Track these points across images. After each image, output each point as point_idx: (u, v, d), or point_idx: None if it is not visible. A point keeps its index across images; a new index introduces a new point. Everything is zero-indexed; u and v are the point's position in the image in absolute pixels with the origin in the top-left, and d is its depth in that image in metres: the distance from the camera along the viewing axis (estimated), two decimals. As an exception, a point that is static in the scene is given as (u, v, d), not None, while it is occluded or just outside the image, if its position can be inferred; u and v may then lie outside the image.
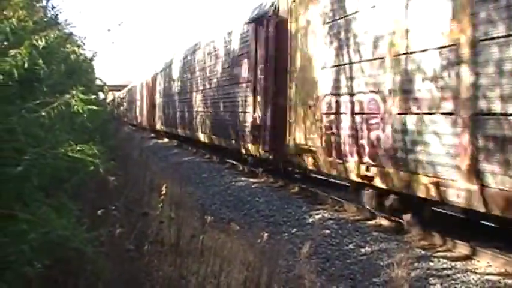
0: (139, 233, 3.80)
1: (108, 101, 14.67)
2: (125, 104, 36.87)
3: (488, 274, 6.11)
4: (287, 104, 11.57)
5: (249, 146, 13.99)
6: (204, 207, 9.58)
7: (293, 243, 7.42)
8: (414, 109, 6.98)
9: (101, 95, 9.18)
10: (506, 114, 5.47)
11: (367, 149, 8.17)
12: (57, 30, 3.78)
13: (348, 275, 6.38)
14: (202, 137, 19.41)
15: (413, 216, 7.72)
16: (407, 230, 7.90)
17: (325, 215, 9.29)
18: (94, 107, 2.82)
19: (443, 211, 8.31)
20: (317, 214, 9.38)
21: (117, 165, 5.43)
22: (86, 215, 3.07)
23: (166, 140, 30.04)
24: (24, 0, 3.69)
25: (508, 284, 5.79)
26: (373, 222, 8.68)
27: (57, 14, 5.64)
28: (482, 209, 5.84)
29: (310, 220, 9.07)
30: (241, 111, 14.82)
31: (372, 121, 8.04)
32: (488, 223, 7.38)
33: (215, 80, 18.17)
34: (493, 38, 5.62)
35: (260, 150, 13.09)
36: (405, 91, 7.19)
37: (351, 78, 8.69)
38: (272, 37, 12.76)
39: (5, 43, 2.85)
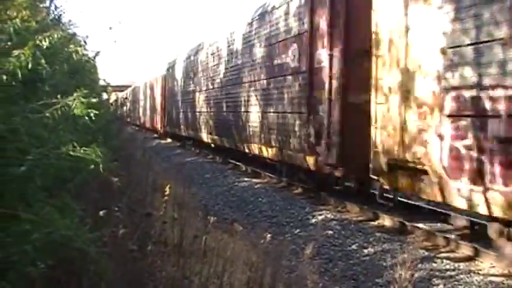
0: (142, 234, 3.80)
1: (111, 101, 14.69)
2: (128, 104, 36.88)
3: (491, 275, 6.10)
4: (367, 100, 8.38)
5: (301, 157, 10.72)
6: (207, 207, 9.59)
7: (296, 243, 7.41)
8: None
9: (104, 96, 9.19)
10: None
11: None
12: (61, 31, 3.79)
13: (351, 276, 6.37)
14: (254, 148, 14.03)
15: None
16: (410, 231, 7.88)
17: (328, 215, 9.28)
18: (95, 111, 2.81)
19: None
20: (320, 215, 9.37)
21: (120, 165, 5.44)
22: (89, 215, 3.07)
23: (169, 140, 30.05)
24: (28, 0, 3.70)
25: (511, 285, 5.78)
26: (376, 223, 8.67)
27: (60, 15, 5.64)
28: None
29: (313, 221, 9.06)
30: (283, 112, 11.79)
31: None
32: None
33: (246, 74, 14.80)
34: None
35: (319, 163, 9.97)
36: None
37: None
38: (341, 9, 9.47)
39: (9, 43, 2.85)
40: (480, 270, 6.27)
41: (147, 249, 3.61)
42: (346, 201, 9.85)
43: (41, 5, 5.20)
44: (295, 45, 11.21)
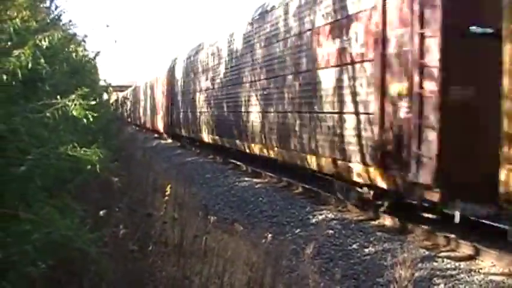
0: (142, 234, 3.80)
1: (111, 101, 14.68)
2: (128, 104, 36.85)
3: (492, 274, 6.09)
4: (476, 96, 6.53)
5: (363, 171, 8.41)
6: (208, 207, 9.59)
7: (297, 243, 7.41)
8: None
9: (105, 96, 9.20)
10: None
11: None
12: (61, 31, 3.79)
13: (352, 275, 6.37)
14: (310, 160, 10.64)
15: None
16: (410, 230, 7.88)
17: (329, 215, 9.28)
18: (93, 113, 2.80)
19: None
20: (321, 214, 9.37)
21: (121, 165, 5.44)
22: (89, 216, 3.07)
23: (169, 140, 30.04)
24: (28, 0, 3.70)
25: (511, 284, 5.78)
26: (376, 222, 8.66)
27: (60, 15, 5.65)
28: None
29: (314, 220, 9.05)
30: (338, 112, 9.29)
31: None
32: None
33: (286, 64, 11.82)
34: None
35: (399, 180, 7.51)
36: None
37: None
38: None
39: (9, 43, 2.85)
40: (481, 269, 6.27)
41: (148, 250, 3.61)
42: (347, 201, 9.85)
43: (41, 5, 5.21)
44: (359, 27, 8.56)
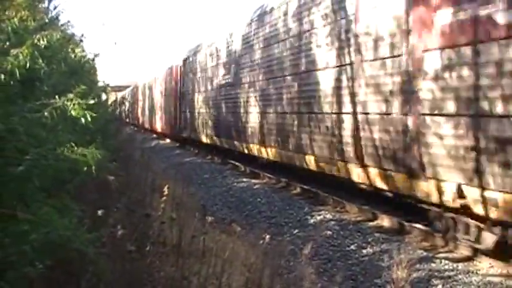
0: (141, 234, 3.80)
1: (110, 102, 14.67)
2: (127, 104, 36.78)
3: (490, 275, 6.10)
4: None
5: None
6: (206, 208, 9.58)
7: (295, 244, 7.41)
8: None
9: (103, 96, 9.20)
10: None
11: None
12: (60, 31, 3.79)
13: (350, 276, 6.37)
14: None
15: None
16: (408, 231, 7.89)
17: (327, 215, 9.28)
18: (92, 113, 2.80)
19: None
20: (319, 215, 9.36)
21: (119, 166, 5.44)
22: (87, 216, 3.07)
23: (168, 140, 30.01)
24: (27, 0, 3.70)
25: (510, 285, 5.78)
26: (374, 223, 8.67)
27: (59, 15, 5.65)
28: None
29: (312, 221, 9.05)
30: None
31: None
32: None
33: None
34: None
35: None
36: None
37: None
38: None
39: (7, 43, 2.85)
40: (479, 270, 6.28)
41: (146, 250, 3.61)
42: (345, 202, 9.86)
43: (40, 5, 5.21)
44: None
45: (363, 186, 9.02)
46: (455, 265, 6.44)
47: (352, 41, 8.78)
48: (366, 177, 8.62)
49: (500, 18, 5.57)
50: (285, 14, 12.08)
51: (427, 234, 7.55)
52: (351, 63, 8.82)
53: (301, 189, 11.69)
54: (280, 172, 13.45)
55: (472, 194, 6.09)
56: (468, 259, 6.64)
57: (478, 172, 5.92)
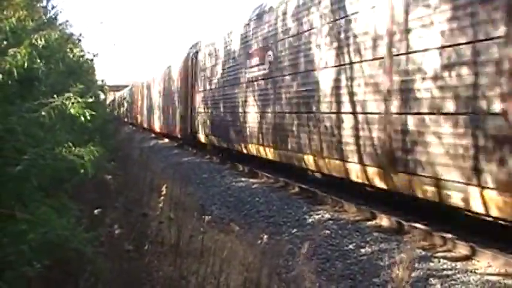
0: (139, 234, 3.80)
1: (108, 101, 14.67)
2: (125, 104, 36.76)
3: (488, 274, 6.10)
4: None
5: None
6: (204, 207, 9.58)
7: (293, 243, 7.41)
8: None
9: (102, 96, 9.20)
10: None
11: None
12: (58, 31, 3.79)
13: (348, 276, 6.37)
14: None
15: None
16: (407, 230, 7.89)
17: (325, 215, 9.28)
18: (91, 112, 2.81)
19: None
20: (317, 214, 9.36)
21: (117, 165, 5.44)
22: (85, 216, 3.07)
23: (166, 140, 30.00)
24: (25, 0, 3.70)
25: (508, 284, 5.78)
26: (373, 222, 8.67)
27: (57, 14, 5.65)
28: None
29: (310, 220, 9.06)
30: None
31: None
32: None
33: None
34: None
35: None
36: None
37: None
38: None
39: (5, 42, 2.85)
40: (477, 269, 6.28)
41: (144, 249, 3.61)
42: (343, 201, 9.86)
43: (38, 5, 5.20)
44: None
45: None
46: (453, 264, 6.44)
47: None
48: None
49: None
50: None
51: (426, 234, 7.56)
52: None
53: (299, 188, 11.70)
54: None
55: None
56: (467, 258, 6.65)
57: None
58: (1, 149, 2.52)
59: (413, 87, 7.41)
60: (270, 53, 13.22)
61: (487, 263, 6.41)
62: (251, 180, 13.79)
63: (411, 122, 7.50)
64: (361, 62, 8.75)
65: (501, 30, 5.94)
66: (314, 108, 10.63)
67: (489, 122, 6.15)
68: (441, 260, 6.58)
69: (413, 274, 5.88)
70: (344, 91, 9.37)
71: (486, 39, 6.15)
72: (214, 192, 12.54)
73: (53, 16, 5.53)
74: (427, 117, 7.17)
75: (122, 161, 7.74)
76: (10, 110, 2.64)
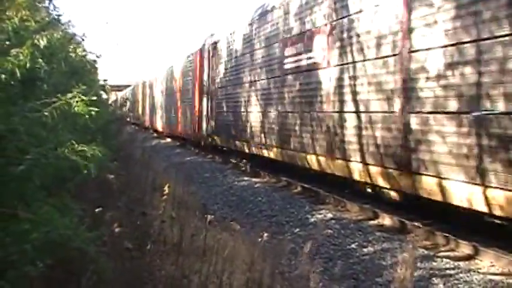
0: (141, 233, 3.81)
1: (110, 101, 14.67)
2: (128, 103, 36.71)
3: (491, 274, 6.10)
4: None
5: None
6: (206, 207, 9.59)
7: (295, 243, 7.41)
8: None
9: (104, 95, 9.21)
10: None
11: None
12: (60, 31, 3.79)
13: (351, 275, 6.37)
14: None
15: None
16: (410, 230, 7.89)
17: (328, 214, 9.28)
18: (96, 109, 2.83)
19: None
20: (320, 214, 9.36)
21: (120, 165, 5.45)
22: (88, 215, 3.08)
23: (168, 139, 30.01)
24: (27, 0, 3.70)
25: (511, 284, 5.78)
26: (375, 221, 8.67)
27: (60, 15, 5.66)
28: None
29: (313, 220, 9.06)
30: None
31: None
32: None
33: None
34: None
35: None
36: None
37: None
38: None
39: (7, 43, 2.86)
40: (480, 269, 6.28)
41: (146, 248, 3.62)
42: (346, 200, 9.86)
43: (40, 5, 5.21)
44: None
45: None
46: (456, 263, 6.44)
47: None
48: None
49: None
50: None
51: (428, 233, 7.55)
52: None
53: (302, 188, 11.70)
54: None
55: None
56: (469, 258, 6.64)
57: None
58: (4, 149, 2.53)
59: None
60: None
61: (490, 262, 6.40)
62: (253, 179, 13.80)
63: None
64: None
65: None
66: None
67: None
68: (444, 260, 6.57)
69: (416, 273, 5.88)
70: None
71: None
72: (217, 191, 12.55)
73: (56, 16, 5.54)
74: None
75: (124, 160, 7.75)
76: (13, 110, 2.65)
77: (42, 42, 2.82)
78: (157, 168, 11.13)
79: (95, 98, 2.89)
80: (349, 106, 9.42)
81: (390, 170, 8.27)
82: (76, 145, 2.63)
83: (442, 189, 7.06)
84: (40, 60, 2.84)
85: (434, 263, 6.47)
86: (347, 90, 9.49)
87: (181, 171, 13.97)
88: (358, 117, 9.12)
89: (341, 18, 9.73)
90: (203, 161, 18.97)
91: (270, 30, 13.36)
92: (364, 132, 8.96)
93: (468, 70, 6.60)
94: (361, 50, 9.04)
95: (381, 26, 8.47)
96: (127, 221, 3.61)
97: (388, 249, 7.07)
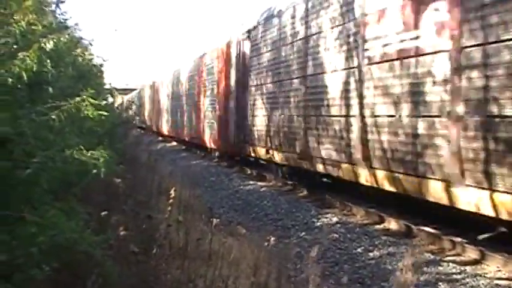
0: (147, 236, 3.81)
1: (116, 105, 14.66)
2: (134, 107, 36.50)
3: (497, 279, 6.06)
4: None
5: None
6: (212, 210, 9.59)
7: (301, 247, 7.40)
8: None
9: (110, 99, 9.24)
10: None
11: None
12: (67, 35, 3.81)
13: (357, 279, 6.35)
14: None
15: None
16: (415, 234, 7.86)
17: (334, 218, 9.26)
18: (105, 113, 2.85)
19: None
20: (325, 218, 9.35)
21: (126, 168, 5.45)
22: (94, 219, 3.08)
23: (174, 143, 30.04)
24: (34, 4, 3.72)
25: (518, 289, 5.75)
26: (381, 226, 8.65)
27: (66, 18, 5.68)
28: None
29: (319, 224, 9.04)
30: None
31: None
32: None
33: None
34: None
35: None
36: None
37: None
38: None
39: (15, 46, 2.87)
40: (486, 273, 6.24)
41: (152, 252, 3.62)
42: (352, 205, 9.83)
43: (47, 9, 5.23)
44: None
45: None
46: (462, 268, 6.40)
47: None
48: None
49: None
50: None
51: (434, 237, 7.52)
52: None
53: (307, 191, 11.68)
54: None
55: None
56: (476, 262, 6.60)
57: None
58: (11, 152, 2.53)
59: None
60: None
61: (497, 267, 6.36)
62: (259, 183, 13.79)
63: None
64: None
65: None
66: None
67: None
68: (450, 264, 6.54)
69: (422, 278, 5.86)
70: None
71: None
72: (223, 195, 12.54)
73: (62, 20, 5.56)
74: None
75: (130, 163, 7.77)
76: (20, 113, 2.66)
77: (49, 46, 2.83)
78: (163, 172, 11.14)
79: (104, 102, 2.92)
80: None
81: None
82: (84, 150, 2.64)
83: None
84: (47, 63, 2.85)
85: (440, 268, 6.44)
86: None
87: (187, 174, 13.98)
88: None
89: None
90: (209, 164, 18.98)
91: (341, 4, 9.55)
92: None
93: None
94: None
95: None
96: (133, 225, 3.61)
97: (394, 254, 7.05)
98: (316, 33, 10.68)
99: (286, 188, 12.76)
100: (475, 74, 6.16)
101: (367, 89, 8.55)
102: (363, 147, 8.62)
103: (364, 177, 8.69)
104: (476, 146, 6.11)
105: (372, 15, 8.49)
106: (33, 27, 3.15)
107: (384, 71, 8.06)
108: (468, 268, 6.41)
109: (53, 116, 2.67)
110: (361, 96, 8.70)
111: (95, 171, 2.65)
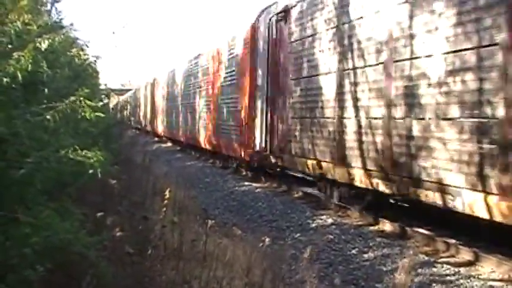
0: (142, 237, 3.80)
1: (112, 105, 14.62)
2: (129, 107, 36.39)
3: (491, 280, 6.08)
4: None
5: None
6: (207, 211, 9.58)
7: (296, 248, 7.40)
8: None
9: (105, 99, 9.22)
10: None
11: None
12: (62, 35, 3.80)
13: (351, 281, 6.36)
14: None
15: None
16: (410, 235, 7.87)
17: (329, 220, 9.26)
18: (101, 114, 2.84)
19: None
20: (320, 219, 9.35)
21: (121, 169, 5.44)
22: (89, 219, 3.07)
23: (169, 144, 29.98)
24: (30, 3, 3.71)
25: (512, 290, 5.76)
26: (376, 227, 8.66)
27: (62, 18, 5.66)
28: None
29: (313, 225, 9.04)
30: None
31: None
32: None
33: None
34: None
35: None
36: None
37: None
38: None
39: (9, 46, 2.86)
40: (480, 275, 6.26)
41: (147, 253, 3.61)
42: (347, 206, 9.84)
43: (43, 9, 5.22)
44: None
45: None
46: (456, 269, 6.42)
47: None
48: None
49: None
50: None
51: (428, 239, 7.54)
52: None
53: (302, 193, 11.68)
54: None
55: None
56: (470, 264, 6.62)
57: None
58: (5, 152, 2.53)
59: None
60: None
61: (491, 268, 6.38)
62: (254, 184, 13.78)
63: None
64: None
65: None
66: None
67: None
68: (444, 266, 6.56)
69: (416, 279, 5.87)
70: None
71: None
72: (217, 196, 12.53)
73: (58, 20, 5.55)
74: None
75: (125, 164, 7.75)
76: (14, 113, 2.65)
77: (44, 46, 2.82)
78: (158, 173, 11.12)
79: (100, 103, 2.92)
80: None
81: None
82: (79, 151, 2.63)
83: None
84: (43, 63, 2.84)
85: (434, 269, 6.46)
86: None
87: (182, 175, 13.96)
88: None
89: None
90: (204, 165, 18.96)
91: None
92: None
93: None
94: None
95: None
96: (128, 226, 3.60)
97: (389, 255, 7.06)
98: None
99: (281, 189, 12.76)
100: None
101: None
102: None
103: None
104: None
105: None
106: (28, 27, 3.14)
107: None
108: (462, 269, 6.43)
109: (48, 117, 2.66)
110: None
111: (91, 171, 2.65)
